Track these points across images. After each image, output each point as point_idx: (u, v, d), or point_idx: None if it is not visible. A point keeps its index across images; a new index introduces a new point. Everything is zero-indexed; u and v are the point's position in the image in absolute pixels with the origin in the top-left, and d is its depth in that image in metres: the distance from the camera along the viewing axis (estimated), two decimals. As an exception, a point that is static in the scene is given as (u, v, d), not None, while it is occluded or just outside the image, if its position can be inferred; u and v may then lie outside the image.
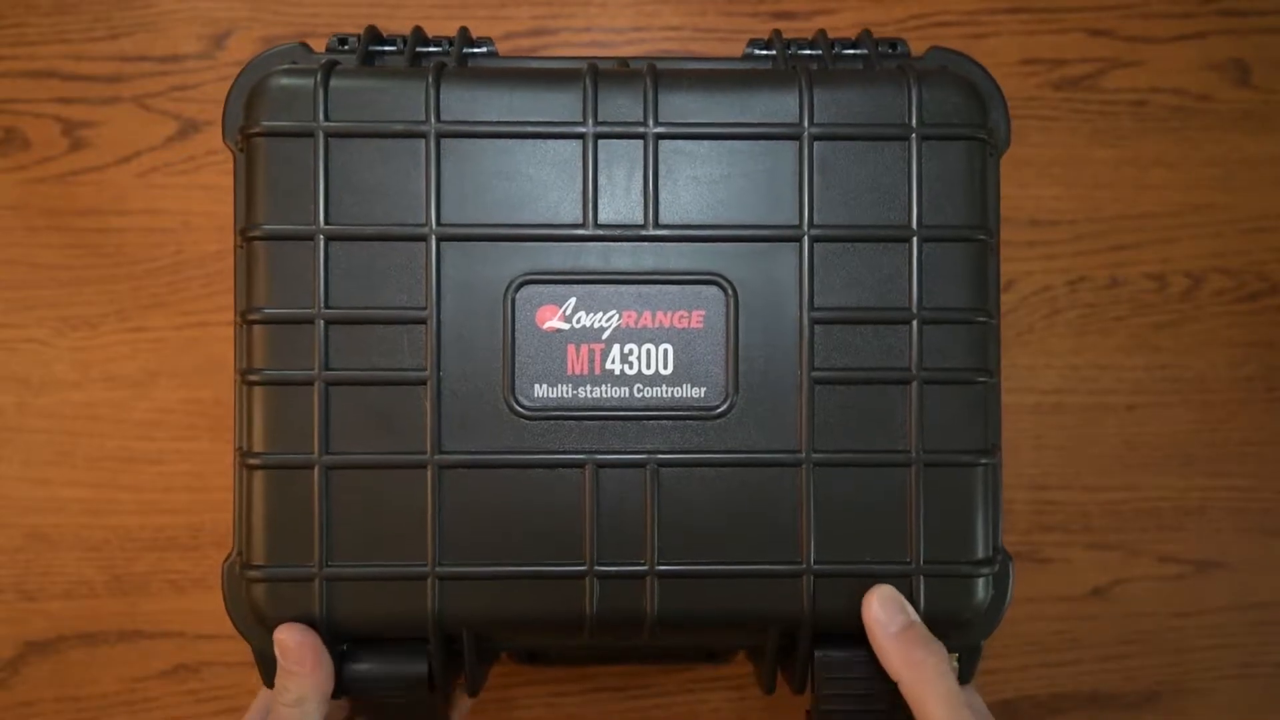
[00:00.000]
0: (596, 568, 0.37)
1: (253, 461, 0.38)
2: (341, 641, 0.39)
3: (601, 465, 0.38)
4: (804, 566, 0.38)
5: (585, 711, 0.56)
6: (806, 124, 0.38)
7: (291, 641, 0.37)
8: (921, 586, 0.38)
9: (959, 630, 0.39)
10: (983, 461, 0.38)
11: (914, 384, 0.38)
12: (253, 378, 0.38)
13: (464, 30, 0.42)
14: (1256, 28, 0.57)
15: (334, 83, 0.38)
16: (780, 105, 0.38)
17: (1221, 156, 0.57)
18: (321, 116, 0.37)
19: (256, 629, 0.39)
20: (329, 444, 0.37)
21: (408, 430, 0.38)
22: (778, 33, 0.43)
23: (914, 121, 0.38)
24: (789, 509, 0.38)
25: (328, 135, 0.37)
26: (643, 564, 0.38)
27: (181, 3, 0.56)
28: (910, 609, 0.38)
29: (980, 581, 0.38)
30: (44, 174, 0.55)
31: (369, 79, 0.39)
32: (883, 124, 0.38)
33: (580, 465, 0.38)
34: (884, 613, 0.37)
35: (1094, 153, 0.57)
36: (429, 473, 0.37)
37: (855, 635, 0.39)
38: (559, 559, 0.38)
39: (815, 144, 0.38)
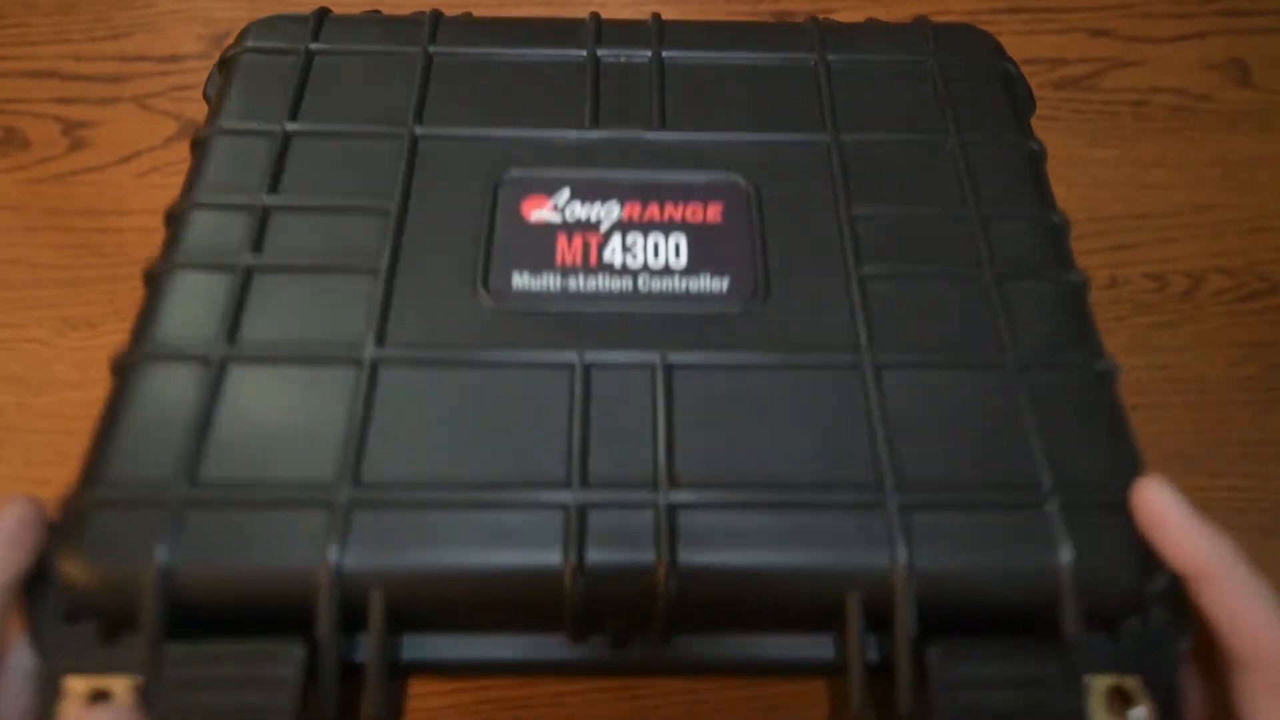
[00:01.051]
0: (581, 493, 0.26)
1: (125, 359, 0.29)
2: (184, 626, 0.25)
3: (593, 366, 0.29)
4: (881, 496, 0.26)
5: (585, 711, 0.56)
6: (822, 53, 0.37)
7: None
8: (1061, 523, 0.26)
9: (1112, 586, 0.27)
10: (1099, 367, 0.30)
11: (987, 275, 0.31)
12: (156, 270, 0.31)
13: (468, 16, 0.42)
14: (1256, 28, 0.57)
15: (329, 19, 0.37)
16: (793, 40, 0.38)
17: (1221, 156, 0.57)
18: (310, 39, 0.36)
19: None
20: (236, 338, 0.29)
21: (344, 325, 0.29)
22: (784, 22, 0.43)
23: (933, 48, 0.37)
24: (849, 423, 0.28)
25: (314, 54, 0.36)
26: (650, 491, 0.26)
27: (181, 3, 0.56)
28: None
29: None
30: (44, 174, 0.55)
31: (366, 21, 0.38)
32: (901, 58, 0.37)
33: (567, 365, 0.29)
34: (1165, 494, 0.28)
35: (1094, 153, 0.57)
36: (359, 372, 0.28)
37: (977, 617, 0.26)
38: (531, 485, 0.26)
39: (832, 68, 0.36)
